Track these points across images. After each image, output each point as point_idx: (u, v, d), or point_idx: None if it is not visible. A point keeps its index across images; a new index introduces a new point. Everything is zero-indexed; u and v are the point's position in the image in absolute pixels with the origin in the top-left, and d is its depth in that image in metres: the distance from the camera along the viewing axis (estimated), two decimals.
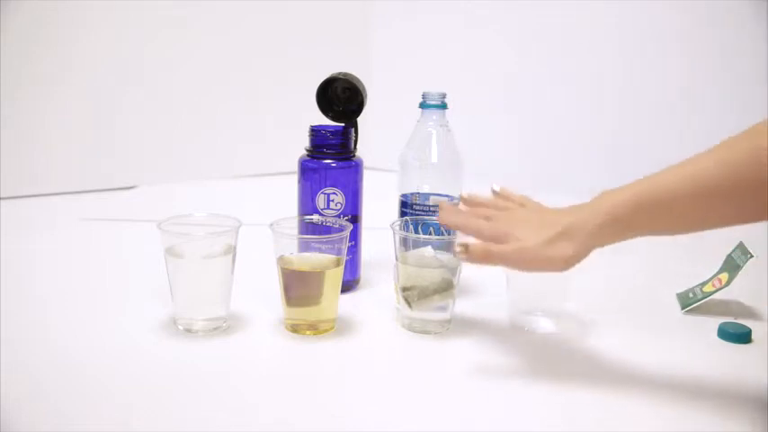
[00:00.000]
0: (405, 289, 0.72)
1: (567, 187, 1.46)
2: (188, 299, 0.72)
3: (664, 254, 1.10)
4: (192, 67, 1.50)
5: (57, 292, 0.84)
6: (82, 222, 1.18)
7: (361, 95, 0.83)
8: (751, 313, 0.82)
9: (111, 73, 1.41)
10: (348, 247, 0.75)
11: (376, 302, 0.82)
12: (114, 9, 1.36)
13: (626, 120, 1.42)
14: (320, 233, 0.76)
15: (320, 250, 0.72)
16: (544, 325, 0.75)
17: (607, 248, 1.04)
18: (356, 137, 0.84)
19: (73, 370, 0.64)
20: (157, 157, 1.49)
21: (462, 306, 0.79)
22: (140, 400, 0.59)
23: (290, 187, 0.86)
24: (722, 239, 0.90)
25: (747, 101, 1.27)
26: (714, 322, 0.76)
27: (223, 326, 0.73)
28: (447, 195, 0.84)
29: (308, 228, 0.77)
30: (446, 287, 0.72)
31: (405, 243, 0.73)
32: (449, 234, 0.78)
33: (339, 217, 0.80)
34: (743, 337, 0.73)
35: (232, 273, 0.73)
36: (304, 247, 0.73)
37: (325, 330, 0.73)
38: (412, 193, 0.85)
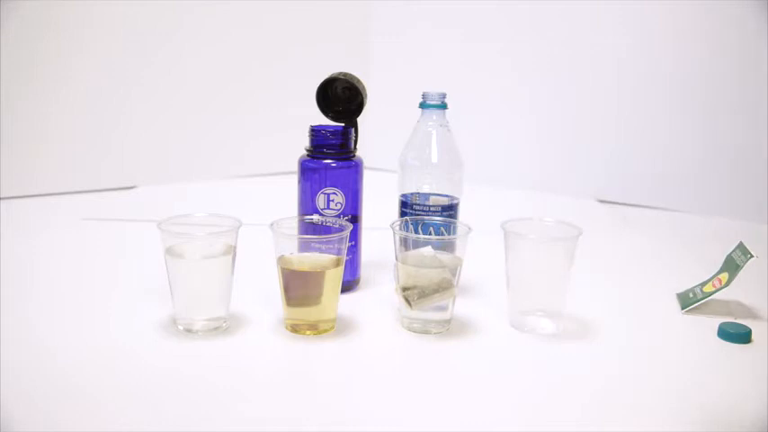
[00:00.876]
0: (405, 289, 0.72)
1: (567, 187, 1.47)
2: (188, 299, 0.72)
3: (664, 254, 1.10)
4: (192, 68, 1.50)
5: (57, 292, 0.84)
6: (82, 222, 1.18)
7: (361, 95, 0.83)
8: (751, 313, 0.82)
9: (111, 73, 1.41)
10: (348, 247, 0.75)
11: (376, 302, 0.82)
12: (115, 9, 1.36)
13: (626, 120, 1.42)
14: (320, 233, 0.76)
15: (320, 250, 0.72)
16: (544, 325, 0.75)
17: (606, 249, 1.05)
18: (356, 137, 0.84)
19: (72, 370, 0.64)
20: (157, 157, 1.49)
21: (462, 306, 0.79)
22: (140, 400, 0.59)
23: (290, 187, 0.86)
24: (722, 239, 0.91)
25: (748, 101, 1.27)
26: (714, 322, 0.76)
27: (223, 326, 0.73)
28: (447, 195, 0.84)
29: (307, 228, 0.77)
30: (446, 287, 0.72)
31: (405, 243, 0.73)
32: (449, 234, 0.78)
33: (339, 217, 0.80)
34: (743, 337, 0.73)
35: (232, 273, 0.73)
36: (304, 247, 0.73)
37: (325, 330, 0.73)
38: (412, 194, 0.85)
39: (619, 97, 1.42)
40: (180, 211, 0.74)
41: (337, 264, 0.72)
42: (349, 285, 0.85)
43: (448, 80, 1.03)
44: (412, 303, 0.72)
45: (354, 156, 0.84)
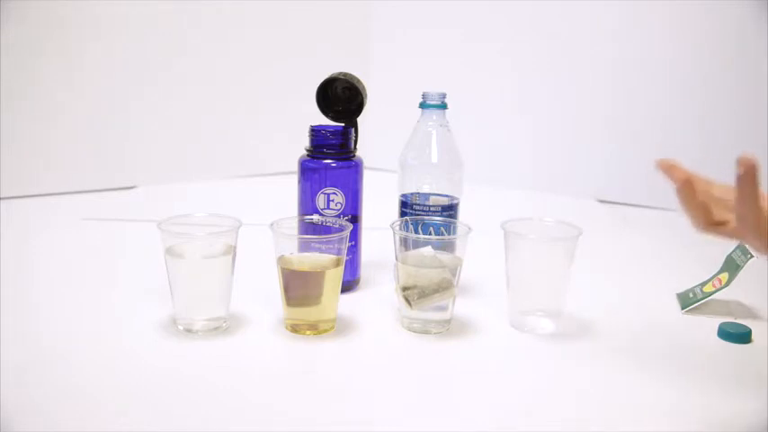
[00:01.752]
0: (405, 289, 0.72)
1: (567, 187, 1.47)
2: (188, 299, 0.72)
3: (664, 254, 1.10)
4: (192, 68, 1.50)
5: (56, 292, 0.84)
6: (82, 222, 1.18)
7: (361, 95, 0.83)
8: (751, 313, 0.82)
9: (111, 73, 1.41)
10: (348, 247, 0.75)
11: (376, 302, 0.82)
12: (116, 10, 1.36)
13: (626, 120, 1.42)
14: (320, 233, 0.76)
15: (320, 250, 0.72)
16: (544, 325, 0.75)
17: (606, 249, 1.05)
18: (356, 137, 0.84)
19: (73, 370, 0.64)
20: (157, 157, 1.49)
21: (462, 306, 0.79)
22: (140, 400, 0.59)
23: (290, 187, 0.86)
24: (722, 240, 0.90)
25: (748, 101, 1.27)
26: (714, 322, 0.76)
27: (223, 326, 0.73)
28: (447, 195, 0.84)
29: (308, 228, 0.77)
30: (446, 287, 0.72)
31: (405, 243, 0.73)
32: (449, 234, 0.78)
33: (339, 217, 0.80)
34: (743, 337, 0.73)
35: (232, 273, 0.73)
36: (304, 247, 0.73)
37: (325, 330, 0.73)
38: (412, 193, 0.85)
39: (619, 97, 1.42)
40: (180, 211, 0.74)
41: (337, 264, 0.72)
42: (349, 285, 0.85)
43: (448, 80, 1.03)
44: (412, 303, 0.72)
45: (354, 156, 0.84)
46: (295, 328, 0.73)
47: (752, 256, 0.79)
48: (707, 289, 0.82)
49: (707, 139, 1.33)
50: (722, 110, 1.31)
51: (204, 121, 1.53)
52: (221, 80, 1.53)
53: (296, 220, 0.78)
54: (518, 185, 1.47)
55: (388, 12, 1.64)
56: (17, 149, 1.31)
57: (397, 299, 0.74)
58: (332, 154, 0.82)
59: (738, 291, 0.82)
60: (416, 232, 0.77)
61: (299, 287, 0.73)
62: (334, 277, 0.72)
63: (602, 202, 1.44)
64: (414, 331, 0.74)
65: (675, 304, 0.84)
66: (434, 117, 0.84)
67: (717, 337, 0.74)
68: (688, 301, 0.83)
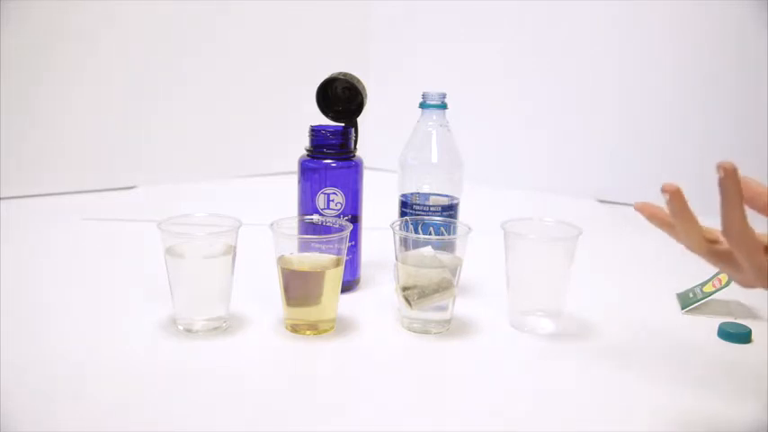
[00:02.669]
0: (405, 289, 0.72)
1: (567, 188, 1.47)
2: (188, 299, 0.72)
3: (664, 254, 1.10)
4: (192, 68, 1.50)
5: (57, 291, 0.84)
6: (82, 222, 1.18)
7: (361, 95, 0.83)
8: (751, 313, 0.82)
9: (111, 73, 1.41)
10: (348, 247, 0.75)
11: (376, 302, 0.82)
12: (116, 10, 1.36)
13: (626, 120, 1.42)
14: (320, 233, 0.76)
15: (320, 250, 0.72)
16: (544, 325, 0.75)
17: (606, 249, 1.05)
18: (356, 137, 0.84)
19: (73, 370, 0.64)
20: (157, 157, 1.49)
21: (462, 306, 0.79)
22: (140, 400, 0.59)
23: (290, 187, 0.86)
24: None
25: (748, 101, 1.27)
26: (714, 322, 0.76)
27: (223, 326, 0.73)
28: (447, 195, 0.84)
29: (308, 228, 0.77)
30: (446, 287, 0.72)
31: (405, 243, 0.73)
32: (449, 234, 0.78)
33: (339, 217, 0.80)
34: (743, 337, 0.73)
35: (232, 273, 0.73)
36: (304, 247, 0.73)
37: (325, 330, 0.73)
38: (412, 193, 0.85)
39: (619, 97, 1.42)
40: (180, 211, 0.74)
41: (337, 264, 0.72)
42: (349, 285, 0.85)
43: (448, 80, 1.03)
44: (412, 303, 0.72)
45: (354, 156, 0.84)
46: (295, 328, 0.73)
47: None
48: (707, 289, 0.82)
49: (707, 139, 1.33)
50: (722, 110, 1.31)
51: (204, 121, 1.53)
52: (221, 80, 1.53)
53: (296, 220, 0.78)
54: (518, 185, 1.47)
55: (388, 12, 1.64)
56: (17, 149, 1.31)
57: (397, 299, 0.74)
58: (332, 154, 0.82)
59: (738, 291, 0.82)
60: (416, 232, 0.77)
61: (299, 287, 0.73)
62: (334, 277, 0.72)
63: (602, 202, 1.44)
64: (414, 331, 0.74)
65: (675, 304, 0.84)
66: (434, 117, 0.84)
67: (717, 337, 0.74)
68: (688, 301, 0.83)
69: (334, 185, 0.81)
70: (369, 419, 0.57)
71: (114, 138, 1.43)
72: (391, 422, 0.57)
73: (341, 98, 0.85)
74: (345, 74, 0.84)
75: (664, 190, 0.54)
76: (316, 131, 0.82)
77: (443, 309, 0.74)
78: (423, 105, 0.85)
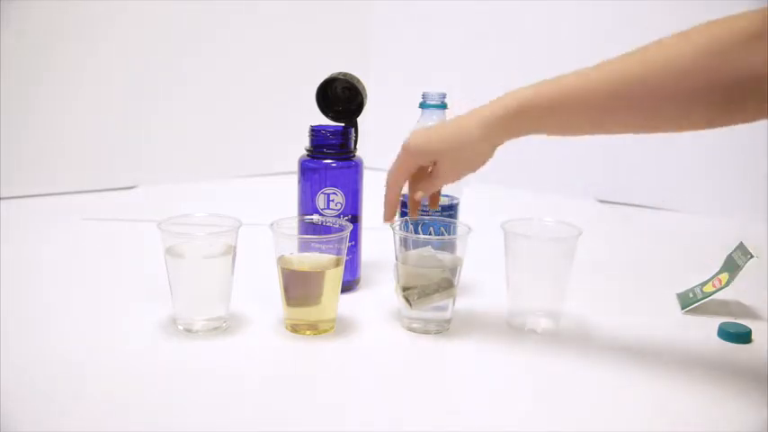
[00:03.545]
0: (405, 289, 0.73)
1: (567, 188, 1.47)
2: (188, 299, 0.72)
3: (664, 254, 1.10)
4: (192, 68, 1.50)
5: (57, 291, 0.84)
6: (82, 222, 1.18)
7: (361, 95, 0.83)
8: (751, 313, 0.82)
9: (111, 73, 1.41)
10: (348, 247, 0.75)
11: (376, 302, 0.82)
12: (115, 11, 1.36)
13: None
14: (320, 233, 0.76)
15: (320, 250, 0.72)
16: (544, 325, 0.75)
17: (606, 249, 1.05)
18: (356, 137, 0.84)
19: (73, 370, 0.64)
20: (157, 157, 1.49)
21: (462, 306, 0.79)
22: (140, 400, 0.59)
23: (290, 187, 0.86)
24: (722, 239, 0.91)
25: None
26: (714, 322, 0.76)
27: (223, 326, 0.73)
28: (447, 195, 0.84)
29: (308, 228, 0.77)
30: (446, 287, 0.72)
31: (405, 243, 0.73)
32: (449, 234, 0.78)
33: (339, 217, 0.80)
34: (743, 337, 0.73)
35: (232, 273, 0.73)
36: (304, 247, 0.73)
37: (325, 330, 0.73)
38: None
39: None
40: (180, 211, 0.74)
41: (337, 264, 0.72)
42: (349, 285, 0.85)
43: (448, 80, 1.03)
44: (412, 303, 0.72)
45: (354, 156, 0.84)
46: (295, 328, 0.73)
47: (752, 257, 0.79)
48: (707, 289, 0.82)
49: (706, 139, 1.33)
50: None
51: (204, 121, 1.53)
52: (221, 80, 1.53)
53: (296, 220, 0.78)
54: (518, 185, 1.47)
55: (388, 12, 1.64)
56: (17, 149, 1.31)
57: (397, 299, 0.74)
58: (332, 154, 0.82)
59: (738, 291, 0.82)
60: (416, 232, 0.77)
61: (299, 287, 0.73)
62: (334, 277, 0.72)
63: (602, 202, 1.44)
64: (414, 331, 0.74)
65: (675, 304, 0.84)
66: (434, 117, 0.84)
67: (717, 337, 0.74)
68: (688, 301, 0.83)
69: (334, 185, 0.81)
70: (369, 419, 0.57)
71: (114, 138, 1.43)
72: (391, 422, 0.57)
73: (341, 98, 0.85)
74: (345, 74, 0.84)
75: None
76: (316, 131, 0.82)
77: (443, 309, 0.74)
78: (423, 105, 0.85)
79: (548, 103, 0.65)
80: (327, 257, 0.72)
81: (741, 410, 0.60)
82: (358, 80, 0.84)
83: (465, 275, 0.75)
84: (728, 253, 0.85)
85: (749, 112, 0.58)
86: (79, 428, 0.54)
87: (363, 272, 0.88)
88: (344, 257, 0.73)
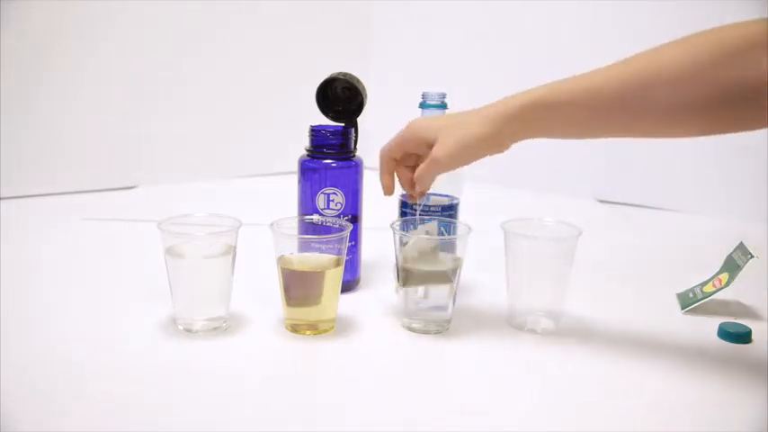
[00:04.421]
0: (403, 270, 0.73)
1: (567, 188, 1.47)
2: (188, 299, 0.72)
3: (664, 254, 1.10)
4: (192, 68, 1.50)
5: (57, 291, 0.84)
6: (82, 222, 1.18)
7: (361, 95, 0.83)
8: (751, 313, 0.82)
9: (111, 73, 1.41)
10: (348, 247, 0.75)
11: (376, 302, 0.82)
12: (115, 10, 1.36)
13: None
14: (320, 233, 0.76)
15: (320, 250, 0.72)
16: (544, 325, 0.75)
17: (606, 249, 1.05)
18: (356, 137, 0.84)
19: (73, 370, 0.64)
20: (157, 157, 1.49)
21: (462, 306, 0.79)
22: (140, 400, 0.59)
23: (290, 187, 0.86)
24: (722, 239, 0.91)
25: None
26: (714, 322, 0.76)
27: (223, 326, 0.73)
28: (447, 195, 0.84)
29: (308, 228, 0.77)
30: (442, 280, 0.72)
31: (405, 243, 0.73)
32: (449, 234, 0.78)
33: (339, 217, 0.80)
34: (743, 337, 0.73)
35: (232, 273, 0.73)
36: (304, 247, 0.73)
37: (325, 330, 0.73)
38: None
39: None
40: (180, 211, 0.74)
41: (337, 264, 0.72)
42: (349, 285, 0.85)
43: (448, 80, 1.03)
44: (403, 285, 0.72)
45: (354, 156, 0.84)
46: (295, 328, 0.73)
47: (752, 257, 0.79)
48: (707, 289, 0.82)
49: (706, 139, 1.33)
50: None
51: (204, 121, 1.53)
52: (221, 80, 1.53)
53: (296, 220, 0.78)
54: (518, 185, 1.47)
55: (388, 12, 1.64)
56: (17, 149, 1.31)
57: (397, 295, 0.74)
58: (332, 154, 0.82)
59: (738, 291, 0.82)
60: None
61: (299, 287, 0.73)
62: (334, 277, 0.72)
63: (602, 202, 1.44)
64: (414, 331, 0.74)
65: (675, 304, 0.84)
66: None
67: (717, 337, 0.74)
68: (688, 301, 0.83)
69: (335, 185, 0.81)
70: (369, 419, 0.57)
71: (114, 138, 1.43)
72: (391, 422, 0.57)
73: (341, 98, 0.85)
74: (345, 74, 0.84)
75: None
76: (316, 131, 0.82)
77: (443, 309, 0.74)
78: (423, 105, 0.85)
79: (555, 103, 0.65)
80: (327, 257, 0.72)
81: (741, 410, 0.60)
82: (358, 80, 0.84)
83: (465, 275, 0.75)
84: (728, 253, 0.85)
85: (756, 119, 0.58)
86: (79, 428, 0.54)
87: (363, 272, 0.88)
88: (344, 257, 0.73)
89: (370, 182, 0.86)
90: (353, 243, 0.83)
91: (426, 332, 0.74)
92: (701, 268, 0.88)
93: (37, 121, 1.33)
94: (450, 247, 0.76)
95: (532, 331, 0.75)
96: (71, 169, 1.40)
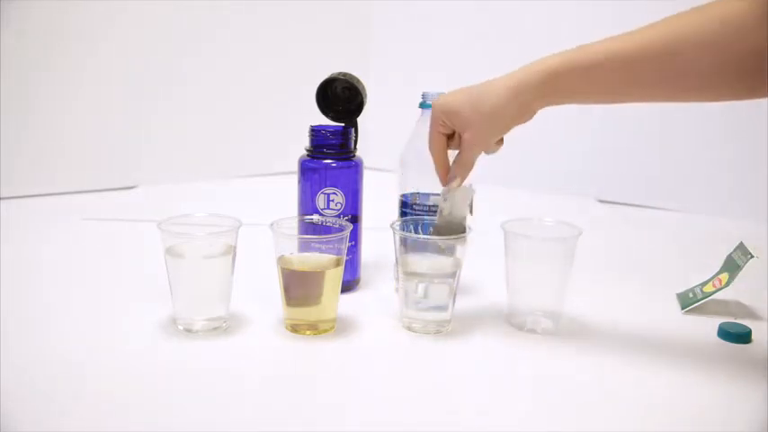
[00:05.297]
0: (437, 227, 0.73)
1: (567, 188, 1.47)
2: (188, 299, 0.72)
3: (664, 254, 1.10)
4: (192, 68, 1.50)
5: (57, 291, 0.84)
6: (82, 222, 1.18)
7: (361, 95, 0.83)
8: (751, 313, 0.82)
9: (111, 73, 1.41)
10: (348, 247, 0.75)
11: (376, 302, 0.82)
12: (115, 11, 1.36)
13: (627, 120, 1.42)
14: (320, 233, 0.76)
15: (320, 250, 0.72)
16: (544, 325, 0.75)
17: (606, 249, 1.05)
18: (356, 137, 0.84)
19: (73, 370, 0.64)
20: (157, 157, 1.49)
21: (462, 306, 0.79)
22: (140, 400, 0.59)
23: (290, 187, 0.86)
24: (722, 239, 0.91)
25: (748, 102, 1.27)
26: (714, 322, 0.76)
27: (223, 326, 0.73)
28: None
29: (308, 228, 0.77)
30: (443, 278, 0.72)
31: (405, 243, 0.73)
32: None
33: (339, 217, 0.80)
34: (743, 337, 0.73)
35: (232, 273, 0.73)
36: (304, 247, 0.73)
37: (325, 330, 0.73)
38: (412, 193, 0.85)
39: None
40: (180, 211, 0.74)
41: (337, 264, 0.72)
42: (349, 285, 0.85)
43: (448, 80, 1.03)
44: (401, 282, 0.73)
45: (354, 156, 0.84)
46: (295, 328, 0.73)
47: (752, 257, 0.79)
48: (707, 289, 0.82)
49: (706, 139, 1.33)
50: (722, 110, 1.31)
51: (204, 121, 1.53)
52: (221, 80, 1.54)
53: (296, 220, 0.78)
54: (518, 185, 1.47)
55: (388, 12, 1.64)
56: (17, 149, 1.31)
57: (397, 296, 0.74)
58: (332, 154, 0.82)
59: (738, 291, 0.82)
60: (416, 232, 0.77)
61: (299, 287, 0.73)
62: (334, 277, 0.72)
63: (602, 202, 1.44)
64: (414, 331, 0.74)
65: (675, 304, 0.84)
66: None
67: (717, 337, 0.74)
68: (688, 301, 0.83)
69: (335, 185, 0.81)
70: (369, 419, 0.57)
71: (114, 138, 1.43)
72: (391, 422, 0.57)
73: (341, 98, 0.85)
74: (345, 74, 0.84)
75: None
76: (316, 131, 0.82)
77: (443, 309, 0.74)
78: (423, 105, 0.85)
79: (579, 67, 0.65)
80: (327, 257, 0.72)
81: (741, 410, 0.60)
82: (358, 80, 0.84)
83: (465, 275, 0.75)
84: (728, 253, 0.85)
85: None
86: (79, 428, 0.54)
87: (363, 272, 0.88)
88: (344, 257, 0.73)
89: (370, 182, 0.86)
90: (353, 243, 0.83)
91: (426, 332, 0.74)
92: (701, 268, 0.88)
93: (37, 121, 1.33)
94: (450, 248, 0.75)
95: (532, 331, 0.75)
96: (71, 169, 1.40)
